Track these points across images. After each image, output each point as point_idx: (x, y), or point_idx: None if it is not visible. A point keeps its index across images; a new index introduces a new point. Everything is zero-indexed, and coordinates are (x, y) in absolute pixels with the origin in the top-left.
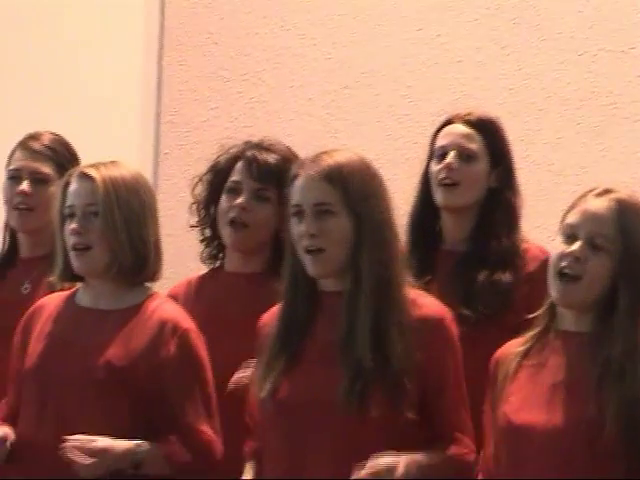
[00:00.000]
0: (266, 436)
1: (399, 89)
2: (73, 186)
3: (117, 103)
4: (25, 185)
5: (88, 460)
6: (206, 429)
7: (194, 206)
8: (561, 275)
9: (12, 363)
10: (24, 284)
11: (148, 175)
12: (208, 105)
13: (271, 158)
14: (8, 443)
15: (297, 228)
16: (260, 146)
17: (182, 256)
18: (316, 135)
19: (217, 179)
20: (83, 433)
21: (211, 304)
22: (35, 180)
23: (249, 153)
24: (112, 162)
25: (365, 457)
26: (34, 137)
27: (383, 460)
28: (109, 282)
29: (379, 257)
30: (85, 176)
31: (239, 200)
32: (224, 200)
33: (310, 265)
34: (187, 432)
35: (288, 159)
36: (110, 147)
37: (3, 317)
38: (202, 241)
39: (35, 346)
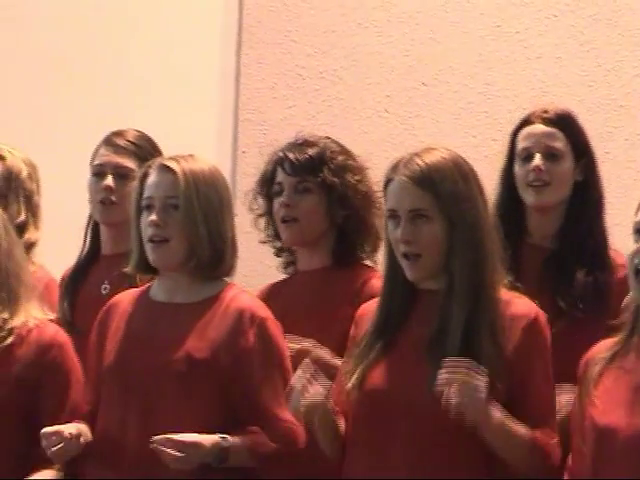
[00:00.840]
0: (352, 424)
1: (477, 86)
2: (152, 178)
3: (195, 101)
4: (109, 180)
5: (178, 454)
6: (288, 417)
7: (257, 222)
8: (637, 272)
9: (89, 362)
10: (104, 284)
11: (226, 173)
12: (286, 103)
13: (302, 151)
14: (82, 439)
15: (393, 233)
16: (292, 144)
17: (258, 254)
18: (393, 132)
19: (266, 189)
20: (167, 427)
21: (285, 304)
22: (119, 175)
23: (281, 154)
24: (190, 155)
25: (446, 451)
26: (118, 133)
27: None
28: (185, 276)
29: (471, 259)
30: (166, 168)
31: (282, 198)
32: (274, 205)
33: (407, 270)
34: (270, 421)
35: (323, 147)
36: (188, 145)
37: (83, 318)
38: (276, 254)
39: (112, 344)
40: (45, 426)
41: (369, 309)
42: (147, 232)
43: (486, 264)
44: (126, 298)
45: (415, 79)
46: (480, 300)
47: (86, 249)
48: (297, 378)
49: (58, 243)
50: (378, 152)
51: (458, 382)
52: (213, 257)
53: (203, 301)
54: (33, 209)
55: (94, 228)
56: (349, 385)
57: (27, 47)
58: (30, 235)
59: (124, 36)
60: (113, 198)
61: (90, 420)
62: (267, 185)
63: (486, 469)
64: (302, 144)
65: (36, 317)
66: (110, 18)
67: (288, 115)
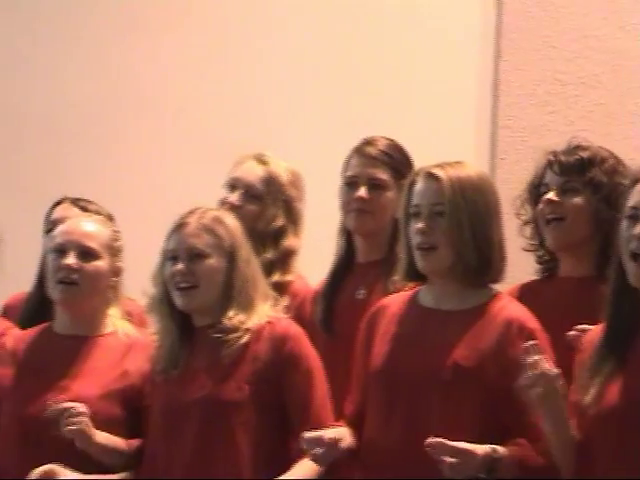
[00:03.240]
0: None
1: None
2: (419, 185)
3: (453, 108)
4: (362, 191)
5: (454, 460)
6: None
7: (523, 229)
8: (635, 257)
9: (356, 362)
10: (359, 289)
11: None
12: (545, 109)
13: (572, 153)
14: (343, 444)
15: (628, 231)
16: (564, 149)
17: (519, 260)
18: None
19: (534, 194)
20: (431, 433)
21: (541, 307)
22: (372, 186)
23: (552, 157)
24: (457, 162)
25: None
26: (370, 143)
27: None
28: (453, 282)
29: None
30: (432, 176)
31: (546, 196)
32: (539, 206)
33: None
34: (537, 435)
35: (595, 151)
36: (446, 151)
37: (340, 322)
38: (538, 262)
39: (380, 347)
40: (294, 417)
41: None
42: (415, 239)
43: None
44: (395, 301)
45: None
46: None
47: (341, 256)
48: None
49: (316, 251)
50: None
51: None
52: (480, 263)
53: (471, 309)
54: (293, 216)
55: (347, 236)
56: (585, 401)
57: (290, 49)
58: (289, 242)
59: (382, 44)
60: (367, 208)
61: (354, 421)
62: (535, 191)
63: None
64: (574, 148)
65: (269, 315)
66: (366, 29)
67: (547, 121)
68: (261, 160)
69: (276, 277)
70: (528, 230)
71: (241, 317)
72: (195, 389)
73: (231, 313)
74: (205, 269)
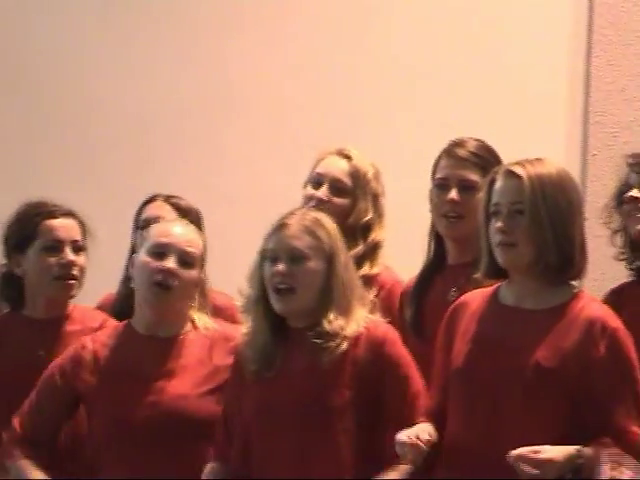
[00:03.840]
0: None
1: None
2: (499, 184)
3: (544, 105)
4: (454, 193)
5: (534, 471)
6: (638, 430)
7: (613, 239)
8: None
9: (437, 359)
10: (451, 291)
11: (576, 176)
12: (637, 105)
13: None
14: (426, 447)
15: None
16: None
17: (609, 257)
18: None
19: (621, 202)
20: (512, 433)
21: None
22: (463, 187)
23: (630, 160)
24: (538, 159)
25: None
26: (459, 144)
27: None
28: (533, 280)
29: None
30: (511, 174)
31: (628, 194)
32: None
33: None
34: (619, 434)
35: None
36: (537, 148)
37: (430, 325)
38: (632, 271)
39: (461, 345)
40: (391, 416)
41: None
42: (495, 238)
43: None
44: (475, 298)
45: None
46: None
47: (431, 258)
48: None
49: (403, 246)
50: None
51: None
52: (560, 261)
53: (553, 309)
54: (379, 209)
55: (437, 238)
56: None
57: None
58: (376, 235)
59: (472, 43)
60: (458, 211)
61: (437, 419)
62: (621, 197)
63: None
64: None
65: (366, 320)
66: (457, 28)
67: (638, 117)
68: (344, 154)
69: (365, 270)
70: (618, 239)
71: (341, 322)
72: (294, 392)
73: (331, 316)
74: (305, 271)
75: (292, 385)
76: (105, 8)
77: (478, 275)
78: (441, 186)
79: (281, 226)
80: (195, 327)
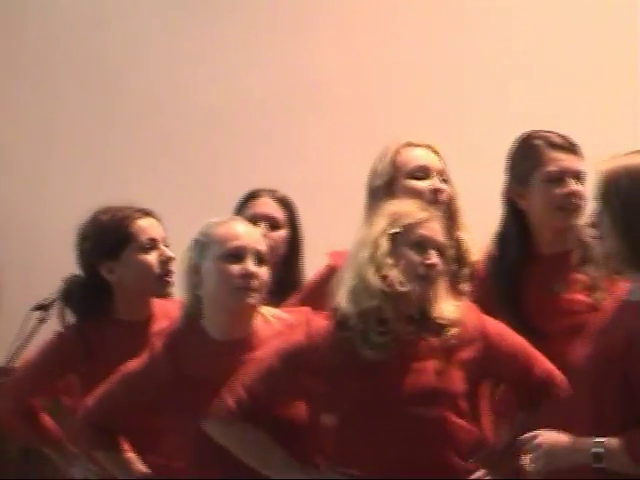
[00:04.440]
0: None
1: None
2: None
3: (615, 98)
4: (573, 185)
5: None
6: None
7: None
8: None
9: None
10: (553, 282)
11: None
12: None
13: None
14: None
15: None
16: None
17: None
18: None
19: None
20: None
21: None
22: (578, 178)
23: None
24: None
25: None
26: (557, 136)
27: None
28: None
29: None
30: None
31: None
32: None
33: None
34: None
35: None
36: (609, 143)
37: (539, 318)
38: None
39: None
40: (519, 381)
41: None
42: None
43: None
44: None
45: None
46: None
47: (520, 249)
48: None
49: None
50: None
51: None
52: None
53: None
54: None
55: (525, 228)
56: None
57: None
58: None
59: (547, 37)
60: (577, 202)
61: None
62: None
63: None
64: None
65: (459, 304)
66: (536, 23)
67: None
68: (432, 149)
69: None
70: None
71: (448, 308)
72: (409, 381)
73: (438, 305)
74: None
75: (407, 374)
76: (184, 4)
77: (597, 267)
78: (555, 179)
79: (429, 218)
80: (265, 320)
